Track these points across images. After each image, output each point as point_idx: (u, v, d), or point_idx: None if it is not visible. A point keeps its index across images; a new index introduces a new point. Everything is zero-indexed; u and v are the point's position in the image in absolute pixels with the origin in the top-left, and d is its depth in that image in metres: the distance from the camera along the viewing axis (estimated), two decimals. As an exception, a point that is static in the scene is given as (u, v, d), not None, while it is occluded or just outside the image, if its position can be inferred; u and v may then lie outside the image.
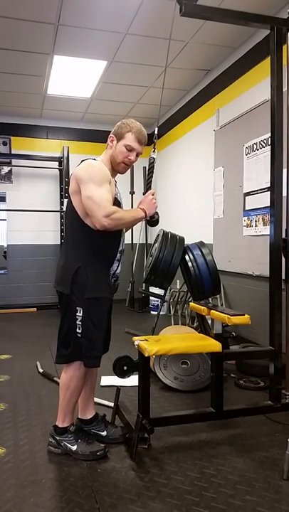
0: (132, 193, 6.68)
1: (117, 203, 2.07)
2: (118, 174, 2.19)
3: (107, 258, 2.10)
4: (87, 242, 2.05)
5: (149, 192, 2.15)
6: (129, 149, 2.07)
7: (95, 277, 2.04)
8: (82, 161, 2.08)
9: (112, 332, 2.30)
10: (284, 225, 2.51)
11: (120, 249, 2.14)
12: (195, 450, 2.16)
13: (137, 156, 2.12)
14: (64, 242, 2.17)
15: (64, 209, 5.71)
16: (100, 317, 2.08)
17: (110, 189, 2.02)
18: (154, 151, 2.18)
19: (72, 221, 2.08)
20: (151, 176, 2.20)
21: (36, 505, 1.73)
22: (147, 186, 2.19)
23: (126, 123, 2.09)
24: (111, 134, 2.11)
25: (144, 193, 2.19)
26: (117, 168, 2.12)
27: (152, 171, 2.19)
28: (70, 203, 2.08)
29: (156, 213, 2.16)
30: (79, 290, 2.02)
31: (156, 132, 2.22)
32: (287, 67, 2.66)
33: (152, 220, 2.15)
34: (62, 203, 6.38)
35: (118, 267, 2.15)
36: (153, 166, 2.19)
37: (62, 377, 2.14)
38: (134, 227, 6.71)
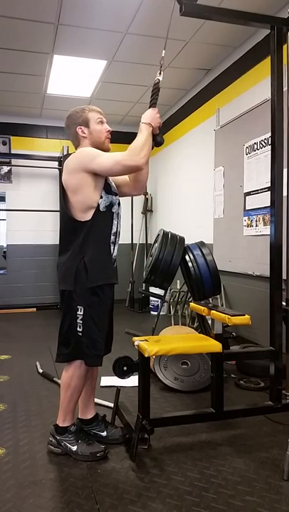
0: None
1: (106, 184, 2.10)
2: None
3: (105, 244, 2.10)
4: (82, 235, 2.04)
5: (154, 109, 2.13)
6: (102, 122, 2.16)
7: (96, 267, 2.04)
8: (67, 156, 2.12)
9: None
10: (284, 225, 2.50)
11: (114, 231, 2.13)
12: (195, 451, 2.16)
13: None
14: (61, 242, 2.16)
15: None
16: (101, 316, 2.08)
17: None
18: (159, 73, 2.15)
19: (64, 216, 2.11)
20: (155, 97, 2.16)
21: (36, 505, 1.72)
22: (151, 104, 2.16)
23: (78, 110, 2.17)
24: (78, 128, 2.15)
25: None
26: (103, 147, 2.15)
27: (156, 92, 2.15)
28: (62, 198, 2.10)
29: (161, 136, 2.14)
30: (82, 284, 2.02)
31: (163, 55, 2.18)
32: (288, 66, 2.66)
33: (158, 138, 2.12)
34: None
35: (115, 250, 2.16)
36: (157, 87, 2.15)
37: (63, 376, 2.14)
38: (134, 227, 6.74)
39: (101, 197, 2.07)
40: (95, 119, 2.14)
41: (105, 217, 2.09)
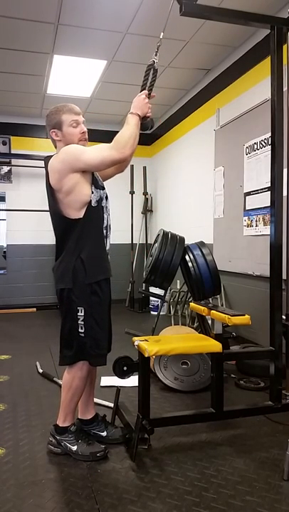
0: (132, 192, 6.68)
1: (94, 178, 2.09)
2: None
3: (99, 239, 2.11)
4: (77, 233, 2.05)
5: (143, 92, 2.10)
6: (76, 125, 2.10)
7: (94, 262, 2.05)
8: (48, 158, 2.10)
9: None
10: (284, 225, 2.50)
11: (105, 225, 2.14)
12: (195, 451, 2.16)
13: (84, 124, 2.15)
14: (56, 243, 2.16)
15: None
16: (102, 315, 2.09)
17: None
18: (155, 54, 2.14)
19: (55, 217, 2.11)
20: (148, 78, 2.14)
21: (36, 505, 1.72)
22: (142, 87, 2.14)
23: (53, 111, 2.12)
24: (51, 131, 2.11)
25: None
26: None
27: (149, 73, 2.13)
28: (51, 200, 2.09)
29: (151, 119, 2.13)
30: (81, 281, 2.03)
31: (161, 37, 2.17)
32: (288, 66, 2.66)
33: (145, 122, 2.10)
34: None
35: (108, 243, 2.17)
36: (151, 68, 2.14)
37: (64, 377, 2.13)
38: (134, 227, 6.74)
39: (92, 192, 2.07)
40: (68, 122, 2.08)
41: (97, 212, 2.09)
